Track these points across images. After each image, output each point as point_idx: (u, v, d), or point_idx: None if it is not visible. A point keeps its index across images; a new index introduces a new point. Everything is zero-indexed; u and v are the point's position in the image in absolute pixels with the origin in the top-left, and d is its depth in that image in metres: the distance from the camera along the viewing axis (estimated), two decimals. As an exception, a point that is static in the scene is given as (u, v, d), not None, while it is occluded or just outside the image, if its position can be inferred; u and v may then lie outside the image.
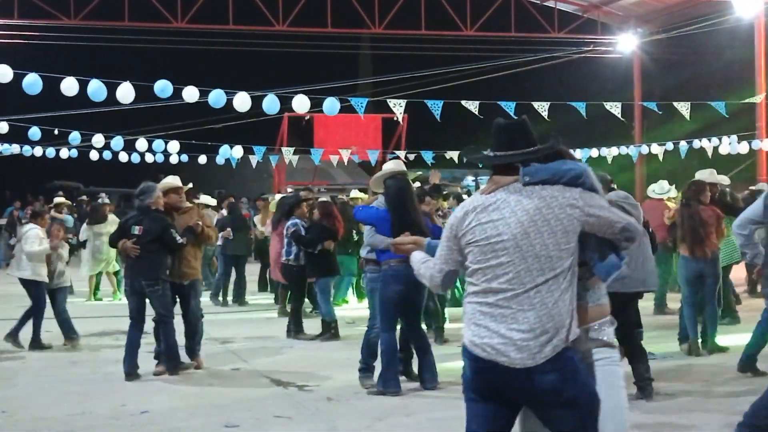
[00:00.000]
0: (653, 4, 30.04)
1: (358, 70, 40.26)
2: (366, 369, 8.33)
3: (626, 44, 31.27)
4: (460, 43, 28.76)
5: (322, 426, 7.15)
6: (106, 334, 12.36)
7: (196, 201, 15.04)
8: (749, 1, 24.06)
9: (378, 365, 8.21)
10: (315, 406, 7.76)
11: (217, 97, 15.14)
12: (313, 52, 30.12)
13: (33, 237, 10.86)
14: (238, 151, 25.45)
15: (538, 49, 28.83)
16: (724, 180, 12.58)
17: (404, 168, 8.36)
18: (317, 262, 11.49)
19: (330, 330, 11.42)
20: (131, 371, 8.96)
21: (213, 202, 16.63)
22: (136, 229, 9.08)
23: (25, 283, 10.93)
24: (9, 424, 7.39)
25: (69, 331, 11.15)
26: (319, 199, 13.25)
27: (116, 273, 16.46)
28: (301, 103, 16.21)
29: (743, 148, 24.91)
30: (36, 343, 10.95)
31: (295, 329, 11.66)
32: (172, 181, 9.62)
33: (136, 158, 27.22)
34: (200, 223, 9.41)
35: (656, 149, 27.12)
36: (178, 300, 9.50)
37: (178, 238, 9.06)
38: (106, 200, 17.13)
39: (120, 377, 9.11)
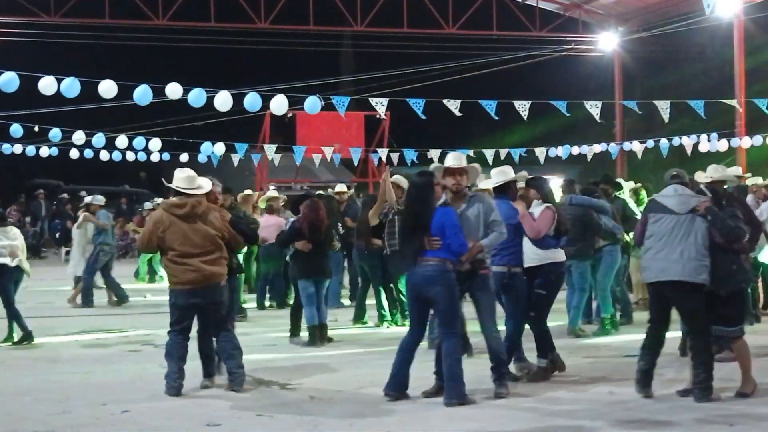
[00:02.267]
0: (633, 3, 30.18)
1: (340, 67, 40.20)
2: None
3: (607, 43, 31.40)
4: (442, 41, 28.80)
5: (304, 424, 7.15)
6: (86, 332, 12.33)
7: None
8: (727, 0, 24.15)
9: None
10: (297, 405, 7.76)
11: (197, 96, 15.03)
12: (295, 50, 30.07)
13: None
14: (219, 148, 25.35)
15: (520, 48, 28.91)
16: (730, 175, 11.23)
17: (464, 163, 8.06)
18: (295, 263, 11.17)
19: (314, 335, 10.93)
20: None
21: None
22: None
23: None
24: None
25: None
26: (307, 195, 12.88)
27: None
28: (279, 105, 16.07)
29: (723, 145, 25.06)
30: None
31: (291, 332, 11.31)
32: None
33: (117, 156, 27.08)
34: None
35: (637, 147, 27.26)
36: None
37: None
38: (86, 198, 16.47)
39: (101, 376, 9.10)
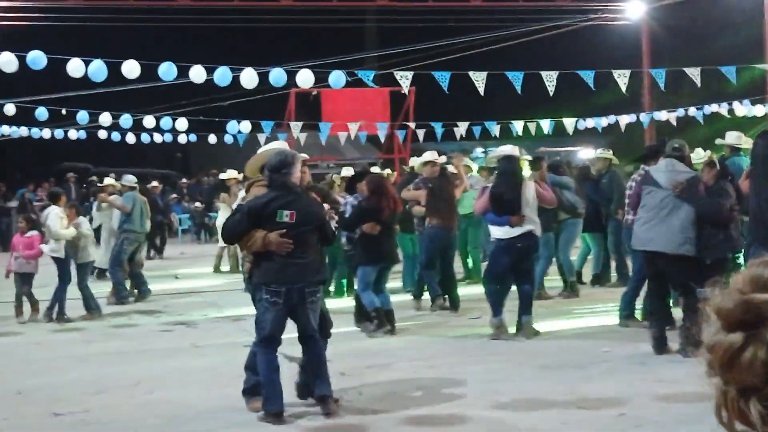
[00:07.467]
0: (661, -30, 29.76)
1: (364, 43, 40.05)
2: None
3: (635, 11, 31.01)
4: (467, 14, 28.56)
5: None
6: (120, 314, 12.43)
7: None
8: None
9: None
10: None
11: (222, 75, 15.01)
12: (319, 27, 29.96)
13: (54, 217, 11.67)
14: (246, 127, 25.33)
15: (546, 18, 28.60)
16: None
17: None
18: (360, 247, 9.99)
19: (377, 320, 9.86)
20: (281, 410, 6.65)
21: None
22: (286, 215, 6.63)
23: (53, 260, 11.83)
24: (27, 402, 7.44)
25: (89, 304, 11.99)
26: (370, 172, 11.81)
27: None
28: (305, 79, 16.03)
29: (759, 110, 24.63)
30: (61, 316, 11.80)
31: (357, 318, 10.25)
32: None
33: (145, 138, 27.15)
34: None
35: (665, 116, 26.94)
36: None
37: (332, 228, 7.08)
38: (107, 179, 15.49)
39: (133, 354, 9.20)
